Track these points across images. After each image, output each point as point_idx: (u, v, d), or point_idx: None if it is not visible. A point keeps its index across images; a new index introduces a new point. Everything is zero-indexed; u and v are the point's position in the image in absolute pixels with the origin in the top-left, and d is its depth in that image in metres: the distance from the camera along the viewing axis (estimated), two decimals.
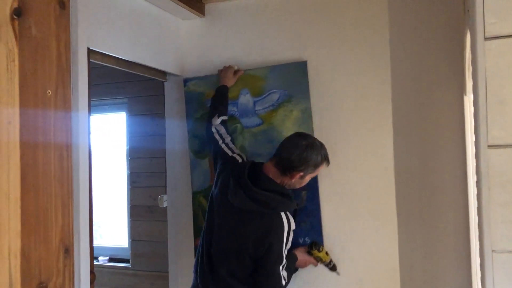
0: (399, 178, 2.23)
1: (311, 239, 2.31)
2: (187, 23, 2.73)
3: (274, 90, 2.42)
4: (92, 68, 1.99)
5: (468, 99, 1.81)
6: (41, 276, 0.86)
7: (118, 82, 3.83)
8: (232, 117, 2.49)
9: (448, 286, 1.80)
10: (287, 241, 1.96)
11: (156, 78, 2.72)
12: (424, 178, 2.01)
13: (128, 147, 3.88)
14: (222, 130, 2.29)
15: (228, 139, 2.26)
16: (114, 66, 2.30)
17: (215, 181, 2.16)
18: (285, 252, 1.96)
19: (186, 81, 2.64)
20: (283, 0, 2.48)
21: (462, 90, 1.91)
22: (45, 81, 0.89)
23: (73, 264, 0.96)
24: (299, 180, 2.00)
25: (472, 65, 1.15)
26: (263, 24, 2.52)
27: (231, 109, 2.49)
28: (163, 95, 2.85)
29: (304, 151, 1.91)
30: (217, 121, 2.31)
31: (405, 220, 2.20)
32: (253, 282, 1.95)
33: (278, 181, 1.98)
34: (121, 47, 2.23)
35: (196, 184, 2.60)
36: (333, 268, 2.32)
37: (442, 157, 1.86)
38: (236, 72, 2.46)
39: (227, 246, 1.99)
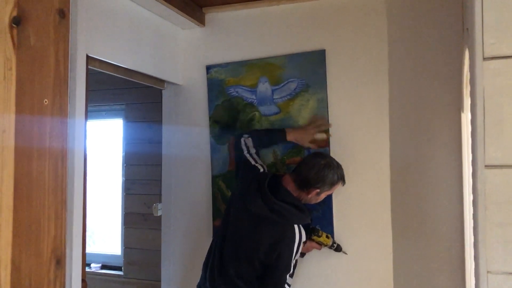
0: (395, 195, 2.23)
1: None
2: (187, 32, 2.73)
3: (292, 79, 2.46)
4: (90, 74, 1.99)
5: (466, 117, 1.81)
6: (31, 287, 0.85)
7: (116, 88, 3.82)
8: (250, 105, 2.55)
9: None
10: (296, 251, 2.04)
11: (154, 86, 2.72)
12: (419, 196, 2.01)
13: (124, 153, 3.86)
14: (250, 144, 2.32)
15: (253, 151, 2.30)
16: (113, 74, 2.30)
17: (236, 186, 2.28)
18: (293, 261, 2.04)
19: (208, 68, 2.67)
20: (287, 8, 2.49)
21: (459, 107, 1.92)
22: (42, 90, 0.88)
23: (64, 275, 0.95)
24: (315, 197, 2.10)
25: (470, 84, 1.15)
26: (281, 22, 2.53)
27: (250, 96, 2.55)
28: (161, 102, 2.85)
29: (322, 170, 2.03)
30: (249, 140, 2.33)
31: (400, 237, 2.19)
32: (259, 286, 2.05)
33: (296, 194, 2.08)
34: (120, 55, 2.23)
35: (215, 168, 2.66)
36: (337, 249, 2.32)
37: (439, 175, 1.86)
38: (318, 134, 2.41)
39: (239, 249, 2.08)
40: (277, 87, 2.49)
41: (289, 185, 2.09)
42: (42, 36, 0.88)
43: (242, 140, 2.33)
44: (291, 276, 2.09)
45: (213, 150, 2.66)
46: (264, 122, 2.51)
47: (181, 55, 2.74)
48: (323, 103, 2.38)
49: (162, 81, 2.73)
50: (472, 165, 1.14)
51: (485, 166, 1.10)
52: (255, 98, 2.55)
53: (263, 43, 2.55)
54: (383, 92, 2.28)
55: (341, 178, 2.11)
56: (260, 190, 2.04)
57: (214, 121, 2.66)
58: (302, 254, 2.27)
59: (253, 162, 2.23)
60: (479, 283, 1.09)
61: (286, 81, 2.47)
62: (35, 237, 0.85)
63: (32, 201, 0.85)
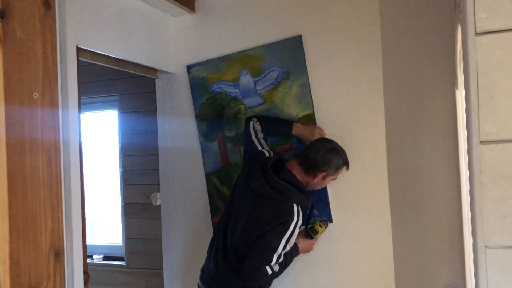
0: (392, 175, 2.24)
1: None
2: (178, 19, 2.70)
3: (273, 68, 2.46)
4: (82, 66, 1.97)
5: (460, 94, 1.80)
6: (31, 281, 0.85)
7: (109, 79, 3.80)
8: (234, 99, 2.56)
9: (442, 281, 1.80)
10: (292, 232, 2.04)
11: (147, 75, 2.70)
12: (417, 174, 2.01)
13: (120, 144, 3.85)
14: (258, 128, 2.33)
15: (261, 135, 2.31)
16: (104, 64, 2.28)
17: (241, 171, 2.30)
18: (283, 244, 2.02)
19: (189, 67, 2.68)
20: None
21: (454, 84, 1.91)
22: (31, 83, 0.87)
23: (64, 268, 0.95)
24: (321, 181, 2.15)
25: (463, 60, 1.14)
26: (256, 11, 2.52)
27: (233, 91, 2.56)
28: (155, 91, 2.83)
29: (328, 153, 2.09)
30: (258, 125, 2.34)
31: (399, 215, 2.21)
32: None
33: (300, 178, 2.12)
34: (111, 45, 2.21)
35: (208, 166, 2.68)
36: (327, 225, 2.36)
37: (435, 153, 1.86)
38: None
39: (240, 227, 2.11)
40: (258, 78, 2.50)
41: (294, 168, 2.13)
42: (28, 29, 0.87)
43: (250, 123, 2.33)
44: (281, 265, 2.08)
45: (203, 148, 2.67)
46: (250, 114, 2.50)
47: (172, 43, 2.72)
48: (306, 88, 2.39)
49: (154, 70, 2.71)
50: (467, 141, 1.14)
51: (480, 142, 1.09)
52: (238, 91, 2.55)
53: (242, 36, 2.54)
54: (376, 72, 2.27)
55: (346, 163, 2.16)
56: (263, 170, 2.09)
57: (200, 119, 2.67)
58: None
59: (259, 148, 2.25)
60: (477, 258, 1.09)
61: (267, 71, 2.47)
62: (32, 231, 0.85)
63: (27, 195, 0.85)
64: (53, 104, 0.93)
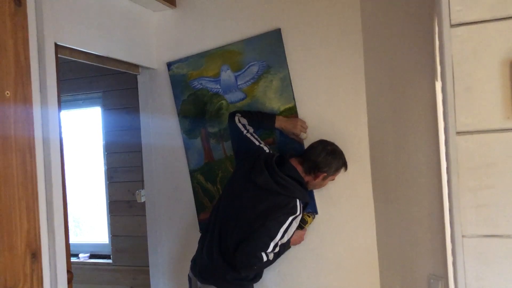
0: (375, 165, 2.26)
1: None
2: (158, 14, 2.68)
3: (253, 63, 2.45)
4: (63, 63, 1.95)
5: (439, 85, 1.82)
6: (6, 283, 0.84)
7: (91, 76, 3.75)
8: (216, 95, 2.55)
9: (425, 270, 1.83)
10: (290, 224, 2.07)
11: (129, 72, 2.68)
12: (399, 165, 2.03)
13: (104, 142, 3.82)
14: (245, 122, 2.32)
15: (251, 130, 2.30)
16: (84, 61, 2.25)
17: (237, 167, 2.31)
18: (282, 234, 2.05)
19: (169, 65, 2.66)
20: None
21: (433, 76, 1.92)
22: (2, 82, 0.86)
23: (41, 268, 0.94)
24: (321, 181, 2.20)
25: (439, 52, 1.15)
26: (235, 5, 2.51)
27: (214, 86, 2.55)
28: (137, 88, 2.81)
29: (330, 155, 2.15)
30: (244, 119, 2.32)
31: (382, 206, 2.22)
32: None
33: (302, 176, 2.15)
34: (91, 41, 2.19)
35: (192, 163, 2.66)
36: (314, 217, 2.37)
37: (416, 144, 1.88)
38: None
39: (240, 220, 2.11)
40: (239, 72, 2.49)
41: (297, 167, 2.16)
42: None
43: (236, 118, 2.31)
44: (275, 255, 2.10)
45: (186, 145, 2.66)
46: (232, 109, 2.49)
47: (154, 38, 2.69)
48: (286, 81, 2.39)
49: (136, 66, 2.69)
50: (444, 132, 1.15)
51: (457, 132, 1.11)
52: (219, 87, 2.54)
53: (222, 31, 2.53)
54: (357, 64, 2.28)
55: (344, 164, 2.22)
56: (267, 164, 2.11)
57: (183, 116, 2.65)
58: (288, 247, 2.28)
59: (257, 143, 2.25)
60: (455, 247, 1.11)
61: (248, 66, 2.46)
62: (6, 232, 0.84)
63: (1, 196, 0.83)
64: (27, 101, 0.92)
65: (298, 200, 2.09)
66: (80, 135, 4.11)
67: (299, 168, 2.16)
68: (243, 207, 2.14)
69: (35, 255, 0.91)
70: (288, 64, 2.38)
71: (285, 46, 2.38)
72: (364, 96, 2.27)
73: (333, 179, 2.26)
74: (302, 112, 2.38)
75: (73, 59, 2.16)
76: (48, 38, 1.83)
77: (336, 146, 2.22)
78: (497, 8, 1.07)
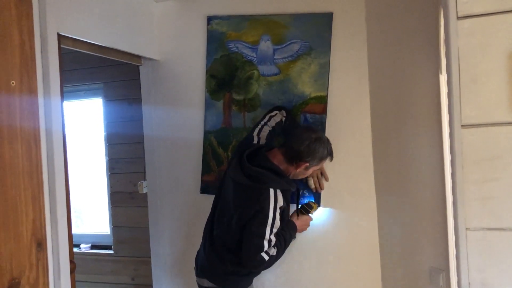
0: (377, 160, 2.25)
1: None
2: (161, 5, 2.66)
3: (295, 40, 2.37)
4: (64, 54, 1.94)
5: (443, 78, 1.81)
6: (12, 271, 0.84)
7: (93, 67, 3.74)
8: (249, 63, 2.48)
9: (427, 263, 1.83)
10: (273, 217, 2.03)
11: (131, 63, 2.67)
12: (402, 159, 2.03)
13: (105, 133, 3.82)
14: (277, 119, 2.27)
15: (271, 123, 2.25)
16: (87, 52, 2.24)
17: (230, 159, 2.32)
18: (270, 229, 2.02)
19: (209, 19, 2.57)
20: None
21: (438, 69, 1.92)
22: (8, 71, 0.86)
23: (47, 257, 0.94)
24: (303, 171, 2.11)
25: (445, 44, 1.14)
26: None
27: (250, 54, 2.48)
28: (139, 79, 2.80)
29: (313, 143, 2.04)
30: (277, 117, 2.28)
31: (384, 199, 2.23)
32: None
33: (282, 167, 2.09)
34: (93, 32, 2.17)
35: (209, 124, 2.60)
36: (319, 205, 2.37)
37: (420, 136, 1.87)
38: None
39: (224, 216, 2.14)
40: (279, 46, 2.40)
41: (276, 157, 2.09)
42: (3, 16, 0.85)
43: (274, 112, 2.28)
44: (278, 247, 2.08)
45: (207, 105, 2.59)
46: (262, 82, 2.44)
47: (156, 29, 2.68)
48: (325, 69, 2.31)
49: (138, 57, 2.68)
50: (449, 125, 1.15)
51: (462, 125, 1.11)
52: (255, 56, 2.46)
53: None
54: (360, 57, 2.27)
55: (330, 154, 2.12)
56: (240, 159, 2.08)
57: (210, 75, 2.57)
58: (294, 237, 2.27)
59: (256, 132, 2.23)
60: (459, 240, 1.11)
61: (289, 42, 2.38)
62: (12, 221, 0.84)
63: (7, 185, 0.83)
64: (32, 91, 0.91)
65: (271, 190, 2.03)
66: (82, 126, 4.11)
67: (279, 158, 2.08)
68: (226, 201, 2.15)
69: (41, 245, 0.91)
70: (332, 52, 2.31)
71: (333, 32, 2.30)
72: (368, 89, 2.26)
73: (317, 169, 2.21)
74: (334, 105, 2.32)
75: (75, 49, 2.15)
76: (51, 28, 1.82)
77: (322, 134, 2.12)
78: (504, 0, 1.07)
